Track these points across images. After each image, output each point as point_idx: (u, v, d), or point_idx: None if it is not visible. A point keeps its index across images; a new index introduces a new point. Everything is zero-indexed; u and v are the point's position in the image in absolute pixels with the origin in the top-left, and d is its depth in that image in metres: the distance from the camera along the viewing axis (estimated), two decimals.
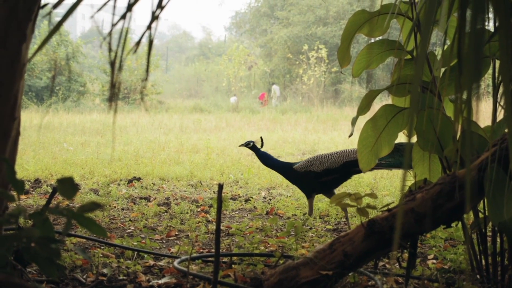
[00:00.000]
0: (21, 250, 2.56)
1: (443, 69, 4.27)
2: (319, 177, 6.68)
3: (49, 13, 2.87)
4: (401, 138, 4.73)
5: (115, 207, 7.77)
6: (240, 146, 7.27)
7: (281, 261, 4.45)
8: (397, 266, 4.69)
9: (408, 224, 3.52)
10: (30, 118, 22.51)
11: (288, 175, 6.91)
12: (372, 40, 4.71)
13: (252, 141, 6.96)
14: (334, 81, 42.23)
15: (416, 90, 1.79)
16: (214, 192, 9.34)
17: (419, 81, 1.80)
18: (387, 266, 4.87)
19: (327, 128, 22.71)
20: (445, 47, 4.05)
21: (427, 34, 1.93)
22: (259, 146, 6.96)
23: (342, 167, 6.64)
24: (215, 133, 19.96)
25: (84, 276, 4.41)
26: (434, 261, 5.11)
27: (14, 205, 5.98)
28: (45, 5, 3.03)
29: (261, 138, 7.06)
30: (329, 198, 6.83)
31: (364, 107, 4.37)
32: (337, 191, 6.97)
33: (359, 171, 6.71)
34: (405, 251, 3.76)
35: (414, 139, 4.34)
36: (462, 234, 5.64)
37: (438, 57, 4.34)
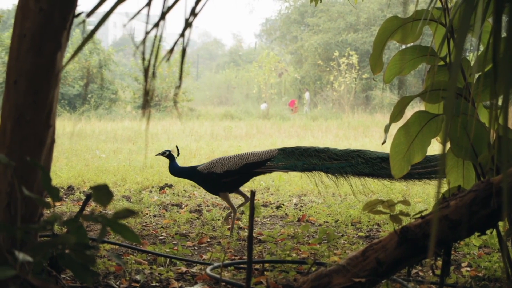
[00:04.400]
0: (56, 256, 2.58)
1: (476, 75, 4.23)
2: (221, 177, 6.91)
3: (83, 22, 2.90)
4: (434, 144, 4.69)
5: (147, 214, 7.82)
6: (156, 155, 7.42)
7: (313, 268, 4.44)
8: (431, 274, 4.65)
9: (442, 231, 3.49)
10: (63, 125, 22.72)
11: (194, 177, 7.11)
12: (403, 47, 4.68)
13: (168, 150, 7.11)
14: (365, 87, 42.03)
15: (451, 97, 1.78)
16: None
17: (454, 88, 1.78)
18: (420, 273, 4.83)
19: (358, 135, 22.61)
20: (479, 52, 4.02)
21: (462, 40, 1.92)
22: (175, 155, 7.08)
23: (242, 169, 6.90)
24: (246, 140, 19.97)
25: (118, 283, 4.44)
26: (468, 268, 5.06)
27: (48, 211, 6.04)
28: (80, 13, 3.06)
29: (176, 147, 7.20)
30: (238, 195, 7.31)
31: (396, 114, 4.34)
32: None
33: (259, 173, 7.04)
34: (438, 258, 3.73)
35: (447, 145, 4.30)
36: (496, 241, 5.58)
37: (472, 63, 4.30)
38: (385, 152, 6.68)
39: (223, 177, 6.89)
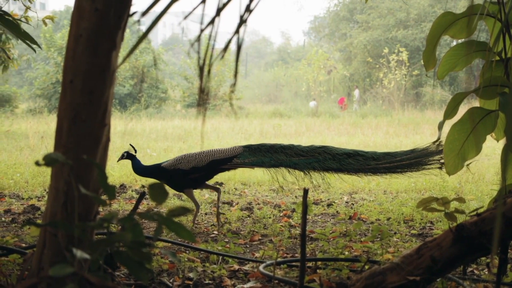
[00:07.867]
0: (112, 254, 2.60)
1: None
2: (187, 174, 6.96)
3: (138, 21, 2.92)
4: (489, 141, 4.62)
5: None
6: (118, 161, 7.36)
7: (366, 267, 4.41)
8: (486, 272, 4.58)
9: (499, 229, 3.43)
10: (114, 124, 22.94)
11: (158, 175, 7.06)
12: (454, 42, 4.62)
13: (126, 152, 7.13)
14: (415, 84, 41.61)
15: None
16: (296, 196, 9.34)
17: None
18: (476, 272, 4.76)
19: (409, 132, 22.38)
20: None
21: None
22: (133, 153, 7.09)
23: (208, 165, 6.97)
24: (295, 138, 19.93)
25: (171, 280, 4.47)
26: None
27: (102, 209, 6.12)
28: (134, 13, 3.08)
29: (131, 145, 7.20)
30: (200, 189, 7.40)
31: (451, 111, 4.29)
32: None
33: (225, 169, 7.12)
34: (494, 256, 3.67)
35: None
36: None
37: None
38: (350, 149, 6.96)
39: (190, 174, 6.95)
